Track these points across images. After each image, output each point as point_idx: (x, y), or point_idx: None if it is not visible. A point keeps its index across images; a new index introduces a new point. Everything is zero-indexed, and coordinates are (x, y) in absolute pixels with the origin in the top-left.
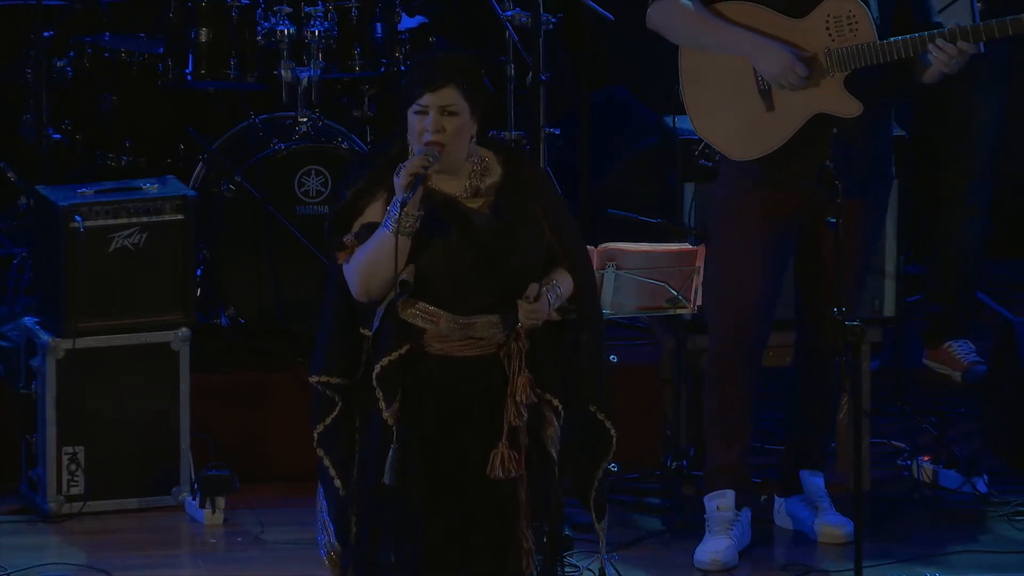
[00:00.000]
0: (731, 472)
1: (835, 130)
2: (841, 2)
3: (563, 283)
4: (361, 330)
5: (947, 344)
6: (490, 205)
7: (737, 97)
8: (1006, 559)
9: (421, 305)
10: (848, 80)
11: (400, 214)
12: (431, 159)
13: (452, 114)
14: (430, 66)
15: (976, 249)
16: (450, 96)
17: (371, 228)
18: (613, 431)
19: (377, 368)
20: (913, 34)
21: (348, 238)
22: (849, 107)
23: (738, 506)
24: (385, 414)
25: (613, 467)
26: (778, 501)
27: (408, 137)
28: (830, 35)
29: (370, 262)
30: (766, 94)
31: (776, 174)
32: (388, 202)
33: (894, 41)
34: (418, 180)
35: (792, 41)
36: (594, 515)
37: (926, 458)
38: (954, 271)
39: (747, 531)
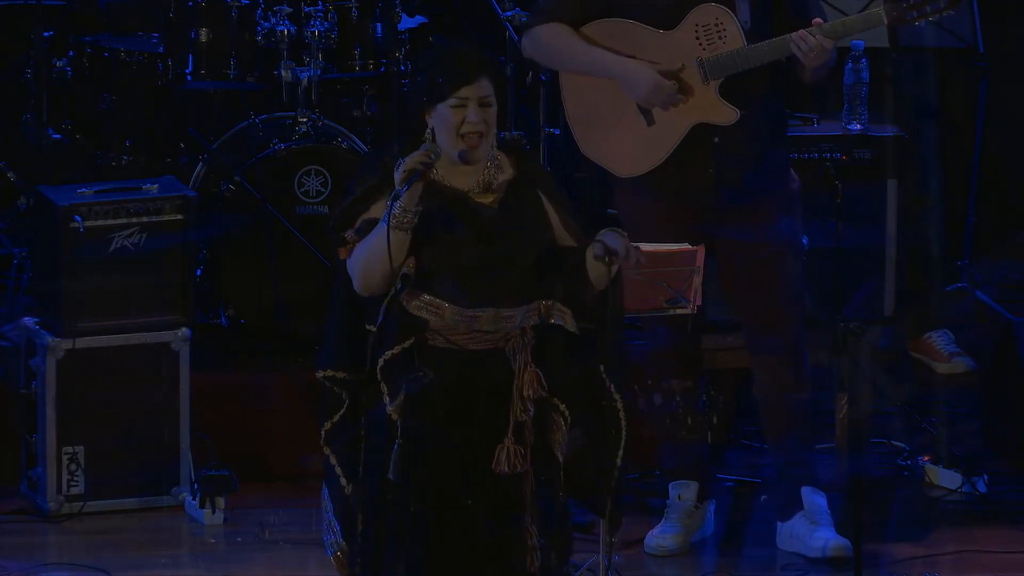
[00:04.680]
0: (695, 467)
1: (716, 139)
2: (707, 10)
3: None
4: (366, 326)
5: (927, 335)
6: (500, 201)
7: (618, 114)
8: (1006, 559)
9: (426, 297)
10: (726, 87)
11: (394, 209)
12: (432, 156)
13: (488, 105)
14: (461, 58)
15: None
16: (486, 87)
17: (372, 223)
18: (624, 420)
19: (381, 362)
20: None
21: (349, 234)
22: (726, 115)
23: (700, 498)
24: (389, 408)
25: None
26: (779, 525)
27: (438, 131)
28: (700, 44)
29: (368, 257)
30: (646, 110)
31: (663, 187)
32: None
33: (759, 45)
34: (415, 176)
35: (664, 54)
36: (608, 526)
37: (926, 458)
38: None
39: (710, 522)
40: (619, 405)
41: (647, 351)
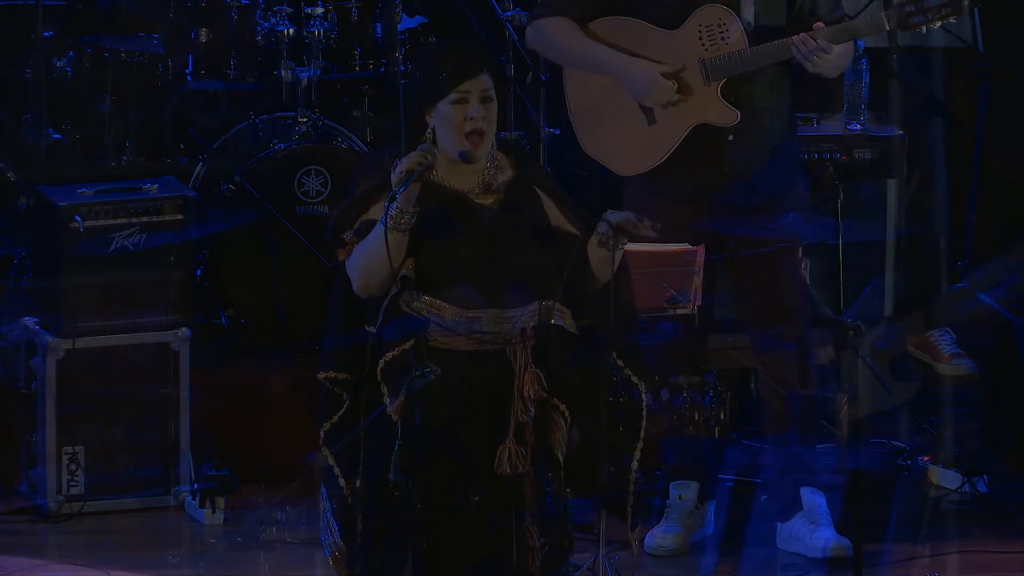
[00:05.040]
0: (696, 467)
1: (730, 137)
2: (711, 11)
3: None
4: (367, 327)
5: (928, 334)
6: (500, 202)
7: (620, 112)
8: (1006, 559)
9: (427, 299)
10: (738, 85)
11: (391, 210)
12: (429, 157)
13: (489, 100)
14: (460, 54)
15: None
16: (487, 82)
17: (371, 224)
18: (644, 412)
19: (381, 363)
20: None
21: (348, 234)
22: (726, 115)
23: (700, 498)
24: (389, 409)
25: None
26: (779, 526)
27: (440, 131)
28: (703, 44)
29: (367, 258)
30: (648, 108)
31: (675, 185)
32: None
33: (761, 47)
34: (411, 176)
35: (667, 53)
36: (628, 523)
37: (926, 458)
38: None
39: (710, 522)
40: (643, 398)
41: (653, 347)
